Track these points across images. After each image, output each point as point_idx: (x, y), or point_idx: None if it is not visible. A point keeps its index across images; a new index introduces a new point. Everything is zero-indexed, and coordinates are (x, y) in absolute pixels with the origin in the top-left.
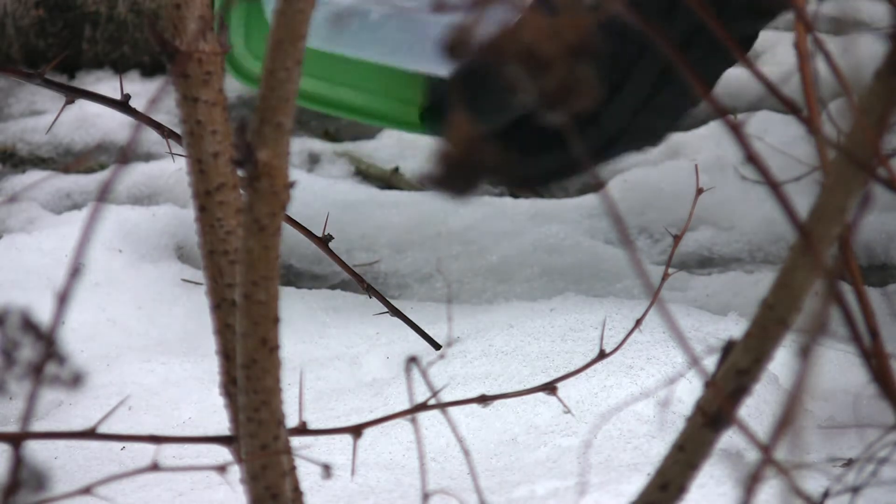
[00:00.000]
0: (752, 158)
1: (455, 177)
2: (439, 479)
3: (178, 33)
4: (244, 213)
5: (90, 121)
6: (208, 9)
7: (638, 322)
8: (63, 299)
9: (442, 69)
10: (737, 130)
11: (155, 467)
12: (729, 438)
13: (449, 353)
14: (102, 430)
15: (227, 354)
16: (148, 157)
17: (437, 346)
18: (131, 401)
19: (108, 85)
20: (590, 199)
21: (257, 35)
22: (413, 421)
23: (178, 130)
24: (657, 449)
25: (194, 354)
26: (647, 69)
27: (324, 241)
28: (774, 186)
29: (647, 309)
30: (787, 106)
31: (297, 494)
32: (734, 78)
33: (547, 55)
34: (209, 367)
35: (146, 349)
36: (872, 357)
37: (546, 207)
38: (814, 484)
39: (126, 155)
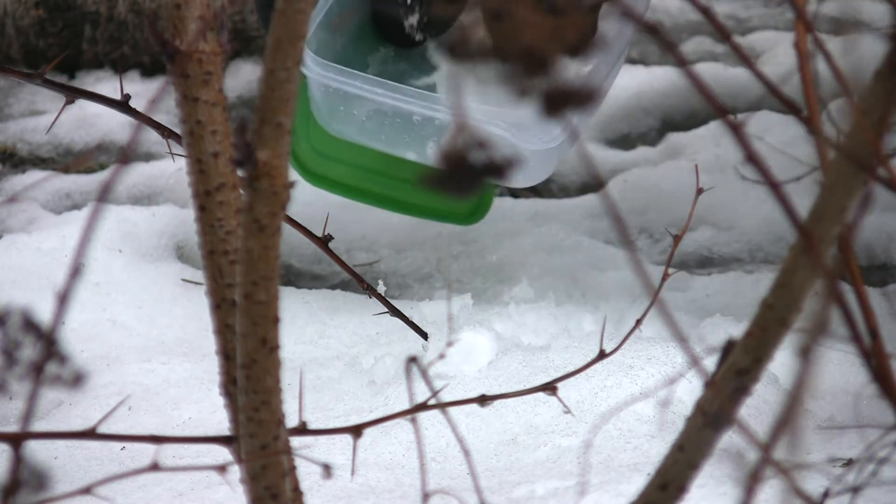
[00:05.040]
0: (752, 158)
1: (455, 177)
2: (439, 479)
3: (178, 33)
4: (244, 213)
5: (90, 121)
6: (208, 9)
7: (638, 322)
8: (63, 299)
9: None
10: (737, 130)
11: (155, 467)
12: (729, 438)
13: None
14: (102, 430)
15: (227, 354)
16: (148, 157)
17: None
18: (131, 401)
19: (108, 85)
20: (590, 199)
21: (316, 130)
22: (413, 421)
23: (178, 130)
24: (657, 449)
25: (194, 354)
26: None
27: (324, 241)
28: (774, 186)
29: (647, 309)
30: (787, 106)
31: (297, 494)
32: (734, 78)
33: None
34: (209, 367)
35: (146, 349)
36: (872, 357)
37: (546, 207)
38: (814, 484)
39: (126, 155)
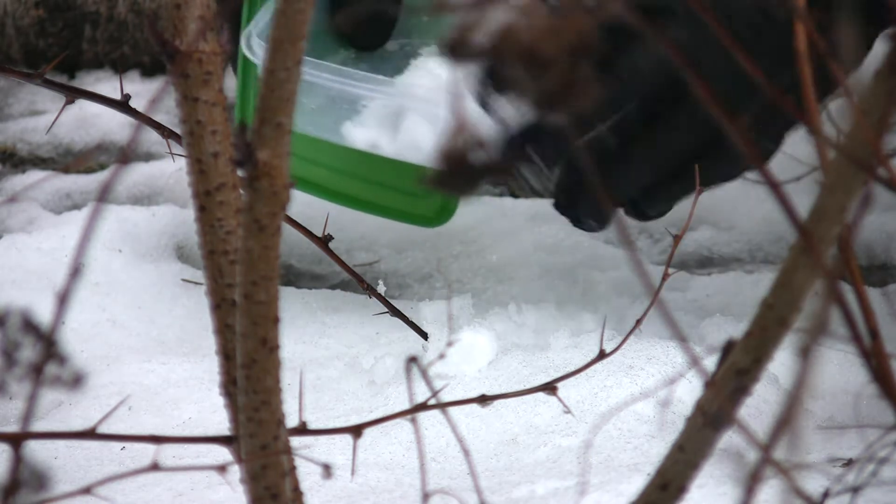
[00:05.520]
0: (752, 158)
1: (455, 177)
2: (439, 479)
3: (178, 33)
4: (244, 213)
5: (90, 121)
6: (208, 9)
7: (638, 322)
8: (63, 299)
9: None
10: (737, 130)
11: (155, 467)
12: (729, 438)
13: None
14: (102, 430)
15: (227, 354)
16: (148, 157)
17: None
18: (131, 401)
19: (108, 85)
20: None
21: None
22: (413, 421)
23: (178, 130)
24: (657, 449)
25: (194, 354)
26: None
27: (324, 241)
28: (774, 186)
29: (647, 309)
30: (787, 106)
31: (297, 494)
32: None
33: (550, 56)
34: (209, 367)
35: (146, 349)
36: (872, 357)
37: (546, 207)
38: (814, 484)
39: (126, 155)
